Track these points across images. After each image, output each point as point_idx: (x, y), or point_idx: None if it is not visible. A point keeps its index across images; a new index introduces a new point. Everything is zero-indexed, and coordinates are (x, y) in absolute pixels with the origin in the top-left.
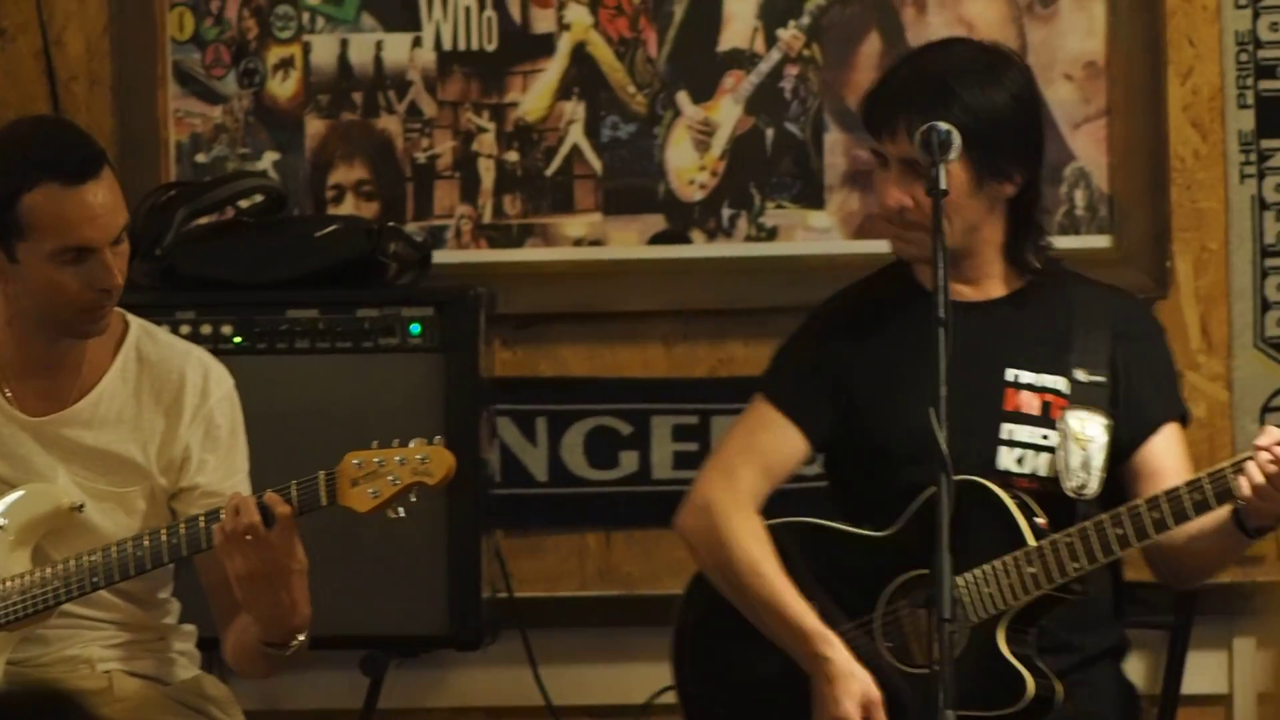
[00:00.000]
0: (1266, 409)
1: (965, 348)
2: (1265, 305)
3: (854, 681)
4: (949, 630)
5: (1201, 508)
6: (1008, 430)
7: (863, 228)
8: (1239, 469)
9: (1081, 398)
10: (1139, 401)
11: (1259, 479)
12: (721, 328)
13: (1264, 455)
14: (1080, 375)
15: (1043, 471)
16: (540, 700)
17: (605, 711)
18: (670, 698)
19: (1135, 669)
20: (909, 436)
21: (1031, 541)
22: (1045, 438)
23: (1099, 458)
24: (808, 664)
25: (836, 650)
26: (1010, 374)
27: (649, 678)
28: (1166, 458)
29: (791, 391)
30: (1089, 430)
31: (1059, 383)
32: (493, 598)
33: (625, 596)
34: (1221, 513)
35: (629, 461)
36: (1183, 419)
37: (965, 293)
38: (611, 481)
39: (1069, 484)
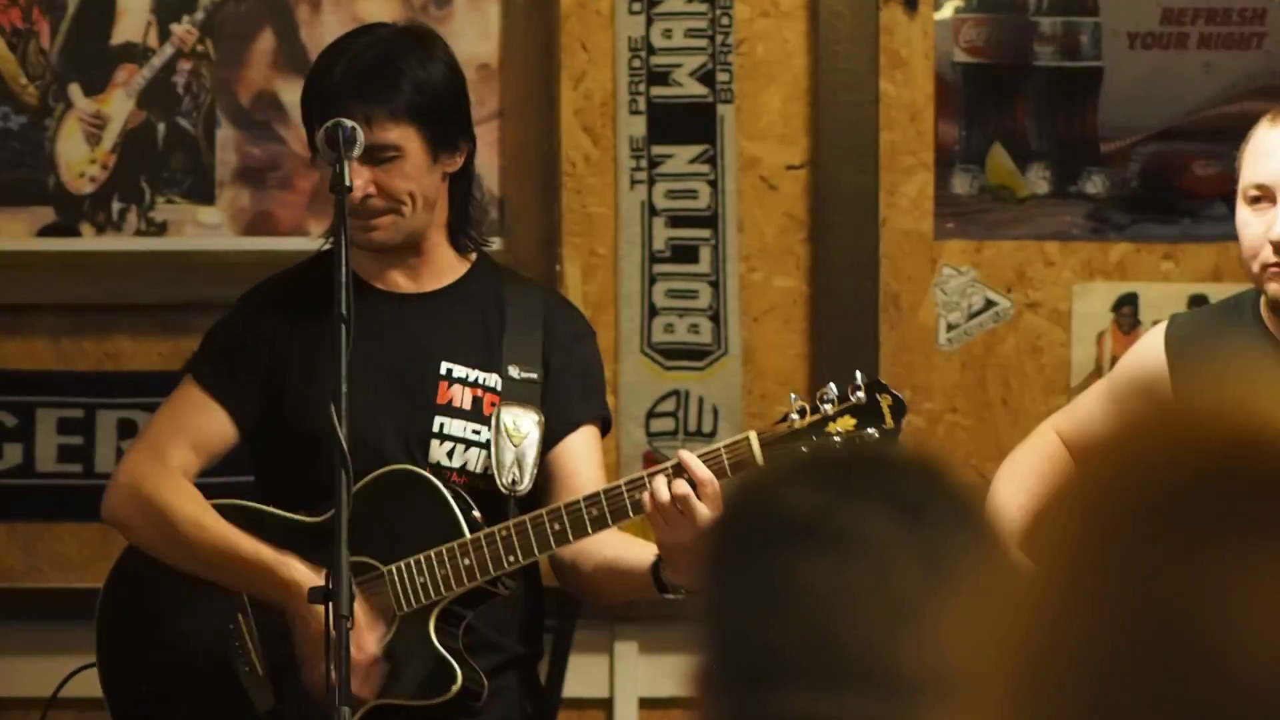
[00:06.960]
0: (651, 414)
1: (404, 340)
2: (653, 311)
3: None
4: (346, 627)
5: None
6: (440, 423)
7: (252, 224)
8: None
9: (515, 394)
10: (564, 400)
11: (664, 496)
12: (109, 322)
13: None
14: (514, 371)
15: (473, 467)
16: None
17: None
18: (73, 689)
19: None
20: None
21: (467, 534)
22: (477, 433)
23: (531, 454)
24: (278, 594)
25: (299, 569)
26: (444, 367)
27: (38, 670)
28: (581, 459)
29: (218, 373)
30: (522, 427)
31: (493, 379)
32: None
33: (7, 589)
34: (644, 567)
35: (13, 454)
36: (603, 423)
37: (402, 284)
38: None
39: (503, 480)
